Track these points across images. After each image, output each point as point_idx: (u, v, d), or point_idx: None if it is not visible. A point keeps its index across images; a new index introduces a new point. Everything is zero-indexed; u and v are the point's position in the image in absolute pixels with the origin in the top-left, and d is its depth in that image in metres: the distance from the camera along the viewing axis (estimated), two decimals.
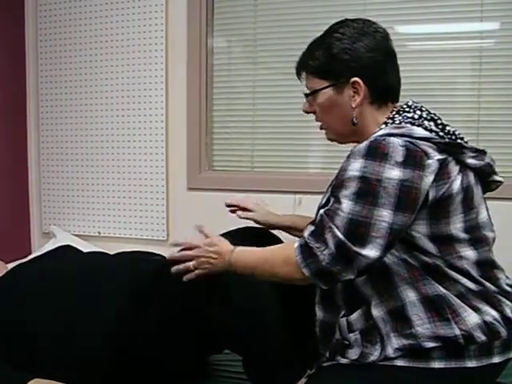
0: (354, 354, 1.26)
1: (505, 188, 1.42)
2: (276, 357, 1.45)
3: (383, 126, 1.29)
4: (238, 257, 1.31)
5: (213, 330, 1.42)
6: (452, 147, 1.23)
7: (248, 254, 1.32)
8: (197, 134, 2.50)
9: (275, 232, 1.76)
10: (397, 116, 1.29)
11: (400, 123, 1.25)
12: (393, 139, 1.18)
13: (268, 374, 1.46)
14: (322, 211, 1.21)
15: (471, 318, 1.20)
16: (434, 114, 1.30)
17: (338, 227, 1.15)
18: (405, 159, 1.16)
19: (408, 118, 1.26)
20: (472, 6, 2.19)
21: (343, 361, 1.28)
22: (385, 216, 1.14)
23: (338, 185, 1.21)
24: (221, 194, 2.47)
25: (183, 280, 1.35)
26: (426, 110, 1.30)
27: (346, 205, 1.16)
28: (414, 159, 1.16)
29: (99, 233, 2.66)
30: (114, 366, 1.48)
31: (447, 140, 1.23)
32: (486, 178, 1.31)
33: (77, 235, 2.66)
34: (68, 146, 2.67)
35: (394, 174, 1.15)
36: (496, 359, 1.22)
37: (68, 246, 1.97)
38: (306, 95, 1.38)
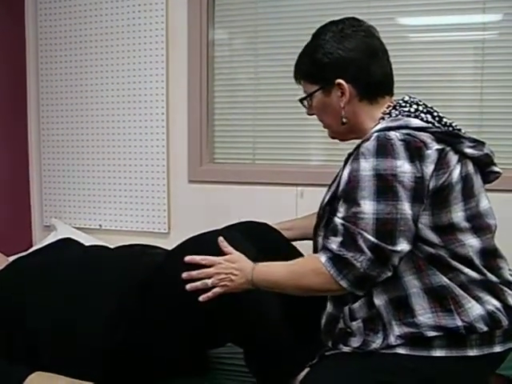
0: (356, 342, 1.27)
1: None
2: (277, 349, 1.45)
3: (380, 121, 1.31)
4: (260, 273, 1.31)
5: (213, 322, 1.42)
6: (450, 136, 1.24)
7: (271, 270, 1.32)
8: (198, 126, 2.48)
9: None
10: (393, 111, 1.31)
11: (397, 116, 1.28)
12: (392, 134, 1.20)
13: (269, 367, 1.47)
14: (339, 220, 1.22)
15: (474, 310, 1.21)
16: (431, 108, 1.32)
17: (366, 231, 1.17)
18: (407, 152, 1.18)
19: (404, 111, 1.29)
20: None
21: (345, 349, 1.28)
22: (407, 209, 1.17)
23: (351, 187, 1.21)
24: (222, 186, 2.47)
25: (199, 300, 1.33)
26: (423, 104, 1.32)
27: (369, 206, 1.18)
28: (414, 151, 1.19)
29: (100, 226, 2.66)
30: (114, 356, 1.48)
31: (444, 129, 1.25)
32: (485, 168, 1.33)
33: (78, 228, 2.65)
34: (69, 138, 2.66)
35: (405, 167, 1.17)
36: (497, 348, 1.23)
37: (69, 239, 1.97)
38: (300, 100, 1.44)
